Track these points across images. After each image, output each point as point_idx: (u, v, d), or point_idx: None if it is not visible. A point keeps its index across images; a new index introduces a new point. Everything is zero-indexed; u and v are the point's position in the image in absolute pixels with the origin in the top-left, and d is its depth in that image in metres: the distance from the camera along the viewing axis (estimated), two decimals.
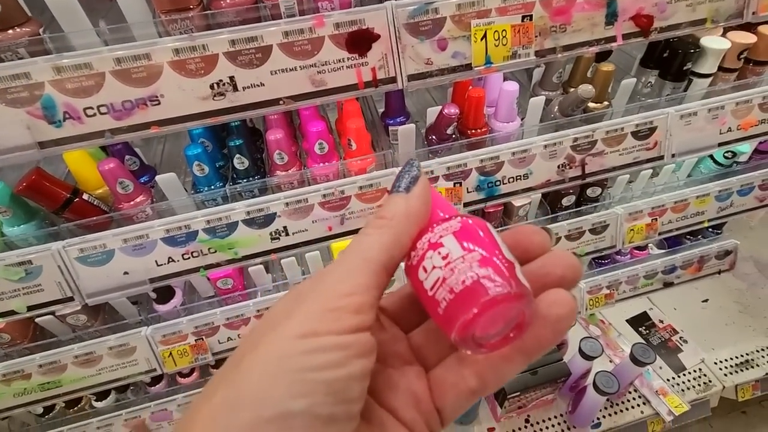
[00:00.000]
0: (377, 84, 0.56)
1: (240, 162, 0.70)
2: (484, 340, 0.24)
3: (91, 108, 0.49)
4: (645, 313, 1.81)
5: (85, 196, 0.67)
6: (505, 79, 0.80)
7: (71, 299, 0.68)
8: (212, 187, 0.72)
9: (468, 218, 0.25)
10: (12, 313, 0.67)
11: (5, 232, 0.66)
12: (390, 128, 0.83)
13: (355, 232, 0.76)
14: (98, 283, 0.68)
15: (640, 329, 1.76)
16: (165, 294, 0.88)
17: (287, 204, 0.71)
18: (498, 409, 1.47)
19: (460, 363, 0.27)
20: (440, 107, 0.78)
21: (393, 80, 0.56)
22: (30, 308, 0.67)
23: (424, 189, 0.26)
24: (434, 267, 0.24)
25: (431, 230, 0.25)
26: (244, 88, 0.52)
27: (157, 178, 0.68)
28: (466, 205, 0.79)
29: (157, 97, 0.50)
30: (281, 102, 0.54)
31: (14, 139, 0.48)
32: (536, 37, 0.58)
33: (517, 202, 0.98)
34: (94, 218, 0.67)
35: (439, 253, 0.24)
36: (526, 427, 1.51)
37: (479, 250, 0.23)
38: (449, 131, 0.76)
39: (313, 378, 0.21)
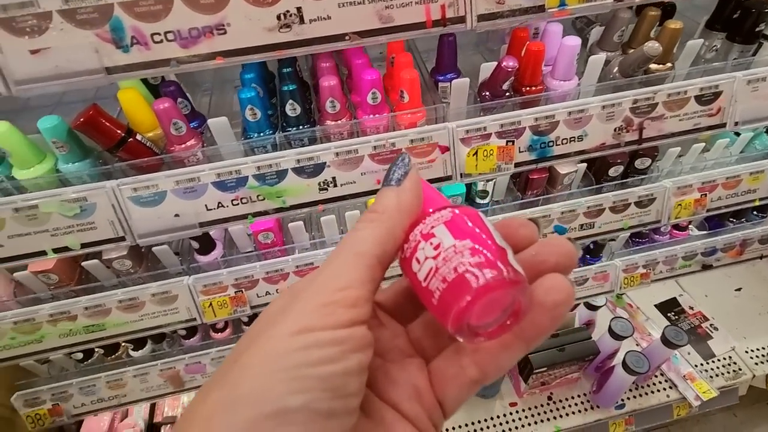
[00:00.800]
0: (446, 23, 0.54)
1: (292, 108, 0.69)
2: (481, 328, 0.24)
3: (158, 34, 0.48)
4: (674, 298, 1.77)
5: (138, 137, 0.67)
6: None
7: (123, 239, 0.69)
8: (262, 134, 0.71)
9: (459, 208, 0.25)
10: (66, 249, 0.67)
11: (60, 169, 0.67)
12: (440, 84, 0.81)
13: None
14: (150, 224, 0.68)
15: (669, 314, 1.72)
16: (206, 245, 0.89)
17: (337, 154, 0.70)
18: (522, 385, 1.47)
19: (458, 353, 0.26)
20: (496, 62, 0.75)
21: (462, 20, 0.54)
22: (83, 245, 0.68)
23: (415, 182, 0.26)
24: (426, 258, 0.24)
25: (423, 222, 0.25)
26: (310, 21, 0.51)
27: (210, 121, 0.68)
28: (517, 165, 0.77)
29: (223, 25, 0.49)
30: (347, 37, 0.52)
31: (83, 62, 0.48)
32: None
33: (563, 169, 0.95)
34: (147, 159, 0.67)
35: (431, 243, 0.24)
36: (548, 404, 1.51)
37: (471, 239, 0.23)
38: (505, 86, 0.74)
39: (309, 374, 0.21)
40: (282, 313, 0.23)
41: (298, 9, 0.50)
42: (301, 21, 0.51)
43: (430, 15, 0.53)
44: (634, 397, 1.51)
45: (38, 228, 0.65)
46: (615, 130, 0.78)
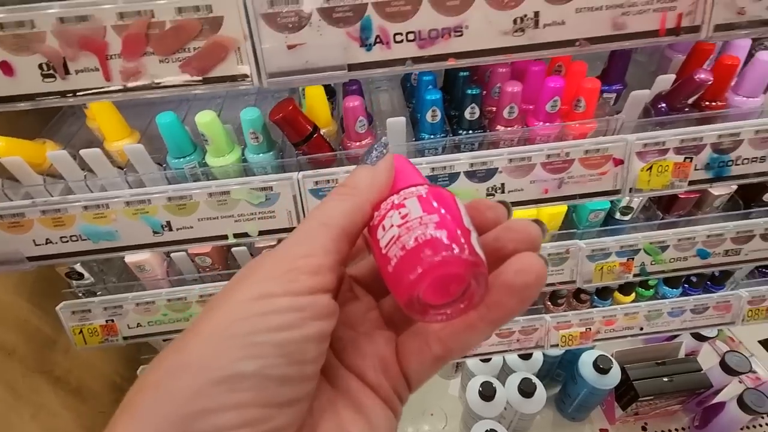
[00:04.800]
0: (679, 32, 0.52)
1: (472, 112, 0.68)
2: (432, 308, 0.23)
3: (400, 34, 0.49)
4: None
5: (322, 132, 0.69)
6: (754, 49, 0.73)
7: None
8: (434, 136, 0.71)
9: (436, 187, 0.25)
10: (245, 235, 0.70)
11: (248, 159, 0.70)
12: (605, 95, 0.78)
13: (570, 198, 0.73)
14: None
15: None
16: None
17: (510, 160, 0.69)
18: (616, 411, 1.40)
19: (425, 329, 0.26)
20: (674, 74, 0.72)
21: (696, 29, 0.52)
22: (261, 233, 0.70)
23: (390, 164, 0.27)
24: (392, 225, 0.23)
25: (397, 193, 0.25)
26: (544, 26, 0.50)
27: (389, 121, 0.68)
28: (691, 183, 0.73)
29: (461, 28, 0.49)
30: (577, 43, 0.51)
31: (330, 59, 0.49)
32: None
33: (717, 191, 0.90)
34: (327, 154, 0.69)
35: (400, 213, 0.24)
36: None
37: (438, 215, 0.23)
38: (690, 100, 0.70)
39: (265, 340, 0.21)
40: (241, 281, 0.23)
41: (536, 13, 0.49)
42: (536, 25, 0.50)
43: (665, 23, 0.51)
44: None
45: (225, 213, 0.68)
46: None
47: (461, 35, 0.50)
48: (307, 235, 0.24)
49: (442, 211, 0.23)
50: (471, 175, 0.70)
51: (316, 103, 0.70)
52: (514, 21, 0.50)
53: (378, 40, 0.49)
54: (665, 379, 1.27)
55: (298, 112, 0.65)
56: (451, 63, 0.51)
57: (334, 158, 0.71)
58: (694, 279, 1.17)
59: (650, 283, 1.17)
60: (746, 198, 0.97)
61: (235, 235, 0.70)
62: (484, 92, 0.77)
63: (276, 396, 0.21)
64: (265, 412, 0.20)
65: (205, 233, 0.70)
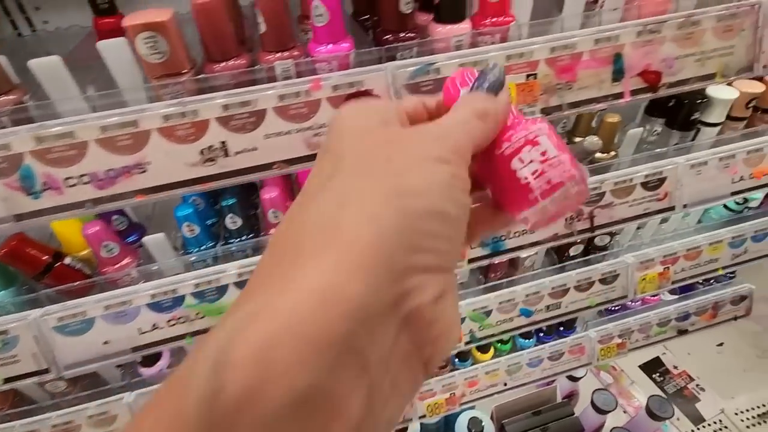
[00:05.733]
0: None
1: (233, 222, 0.66)
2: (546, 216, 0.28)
3: (72, 178, 0.46)
4: (658, 358, 1.73)
5: (66, 261, 0.63)
6: None
7: (47, 371, 0.63)
8: (203, 246, 0.68)
9: (545, 122, 0.29)
10: None
11: None
12: None
13: None
14: (76, 353, 0.63)
15: (653, 376, 1.67)
16: (151, 356, 0.83)
17: None
18: None
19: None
20: None
21: None
22: (7, 380, 0.62)
23: (508, 97, 0.29)
24: (532, 160, 0.28)
25: (525, 128, 0.28)
26: (236, 153, 0.50)
27: (145, 239, 0.65)
28: (470, 260, 0.75)
29: (143, 164, 0.47)
30: (275, 166, 0.51)
31: None
32: (541, 95, 0.56)
33: (524, 253, 0.94)
34: (75, 283, 0.63)
35: (537, 149, 0.28)
36: None
37: (565, 151, 0.28)
38: None
39: (456, 196, 0.23)
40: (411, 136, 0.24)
41: (223, 143, 0.49)
42: (226, 154, 0.49)
43: None
44: None
45: None
46: (566, 219, 0.77)
47: (145, 171, 0.48)
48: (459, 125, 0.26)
49: (562, 146, 0.28)
50: (242, 285, 0.67)
51: (63, 229, 0.65)
52: (201, 152, 0.49)
53: (46, 186, 0.46)
54: (540, 430, 1.27)
55: (29, 245, 0.59)
56: (140, 199, 0.48)
57: (93, 284, 0.65)
58: (544, 328, 1.20)
59: (504, 338, 1.18)
60: (559, 252, 1.02)
61: None
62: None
63: (456, 251, 0.23)
64: (452, 262, 0.23)
65: None
